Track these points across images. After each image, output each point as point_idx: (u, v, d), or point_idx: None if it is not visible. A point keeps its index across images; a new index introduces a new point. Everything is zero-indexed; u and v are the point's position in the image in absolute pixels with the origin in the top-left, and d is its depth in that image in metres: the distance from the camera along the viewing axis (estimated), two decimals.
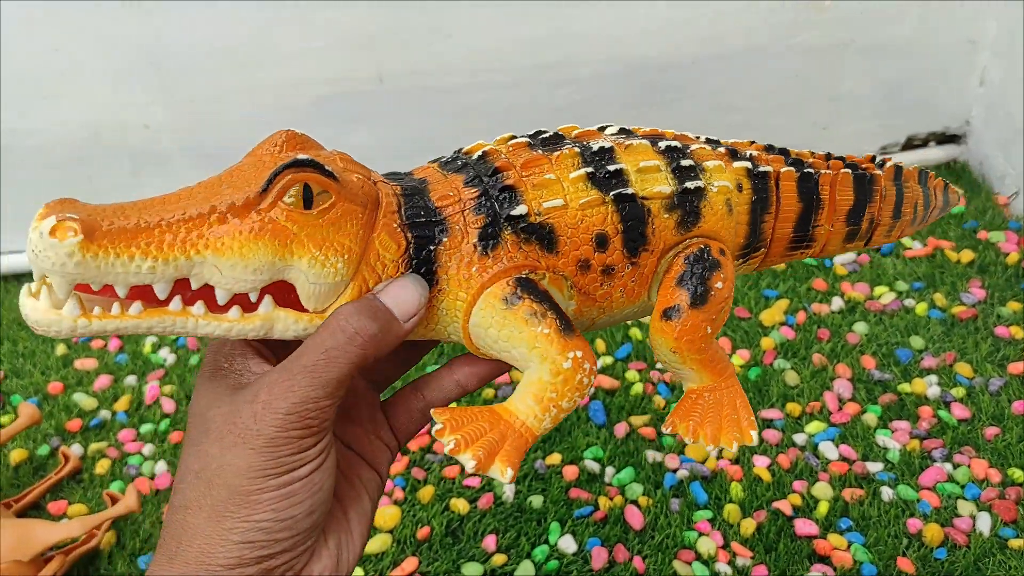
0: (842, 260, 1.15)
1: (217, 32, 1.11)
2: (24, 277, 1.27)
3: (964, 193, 1.26)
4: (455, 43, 1.16)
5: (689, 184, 0.45)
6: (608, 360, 1.03)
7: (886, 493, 0.86)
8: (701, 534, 0.84)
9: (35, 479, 0.97)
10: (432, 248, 0.42)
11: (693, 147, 0.48)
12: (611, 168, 0.44)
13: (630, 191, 0.44)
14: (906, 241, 1.17)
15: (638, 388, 0.99)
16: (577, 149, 0.45)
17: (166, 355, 1.11)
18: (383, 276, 0.41)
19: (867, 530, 0.83)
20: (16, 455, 0.98)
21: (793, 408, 0.95)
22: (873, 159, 0.54)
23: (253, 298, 0.39)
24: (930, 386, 0.96)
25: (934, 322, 1.04)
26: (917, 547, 0.81)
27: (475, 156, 0.45)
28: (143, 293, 0.38)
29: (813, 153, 0.52)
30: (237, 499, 0.38)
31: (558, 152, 0.45)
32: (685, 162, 0.46)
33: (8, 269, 1.27)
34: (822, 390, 0.97)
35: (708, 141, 0.50)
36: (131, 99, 1.16)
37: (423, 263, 0.42)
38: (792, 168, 0.50)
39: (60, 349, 1.13)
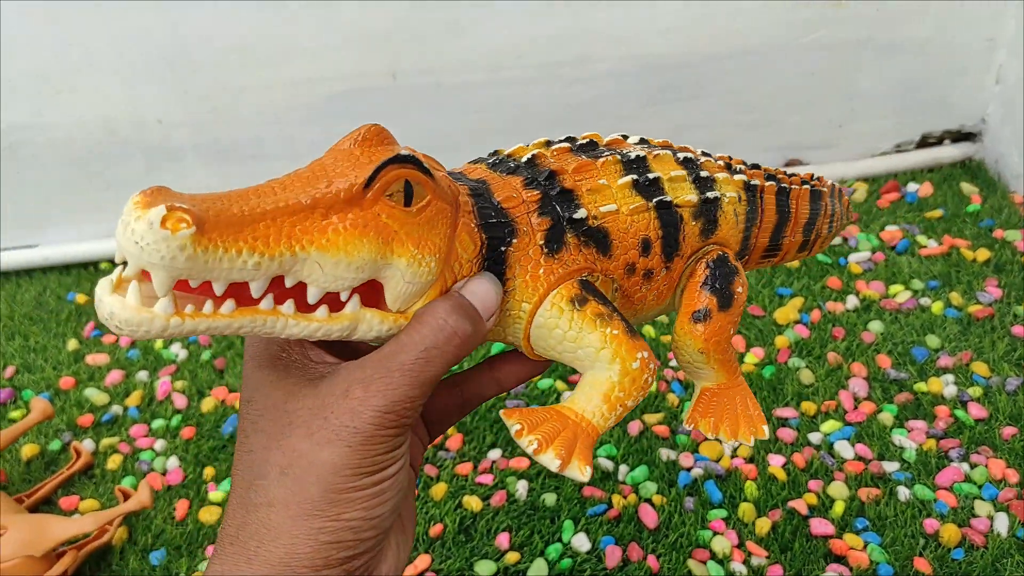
0: (857, 259, 1.14)
1: (232, 29, 1.11)
2: (37, 272, 1.27)
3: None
4: (470, 40, 1.16)
5: (709, 194, 0.48)
6: None
7: (902, 493, 0.85)
8: (716, 533, 0.84)
9: (47, 474, 0.97)
10: (503, 249, 0.42)
11: (701, 160, 0.50)
12: (650, 176, 0.46)
13: (668, 199, 0.46)
14: (921, 239, 1.16)
15: (652, 386, 0.99)
16: (618, 156, 0.46)
17: (178, 351, 1.11)
18: (459, 276, 0.41)
19: (883, 530, 0.82)
20: (28, 450, 0.98)
21: (808, 407, 0.95)
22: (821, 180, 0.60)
23: (344, 297, 0.38)
24: (946, 385, 0.95)
25: (950, 321, 1.03)
26: (934, 547, 0.80)
27: (524, 159, 0.46)
28: (234, 291, 0.37)
29: (766, 168, 0.56)
30: (330, 497, 0.37)
31: (602, 159, 0.46)
32: (703, 173, 0.48)
33: (20, 264, 1.27)
34: (837, 389, 0.97)
35: (704, 154, 0.52)
36: (145, 95, 1.16)
37: (495, 263, 0.42)
38: (772, 182, 0.54)
39: (72, 344, 1.13)
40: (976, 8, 1.21)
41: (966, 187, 1.26)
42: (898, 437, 0.91)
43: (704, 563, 0.81)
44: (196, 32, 1.11)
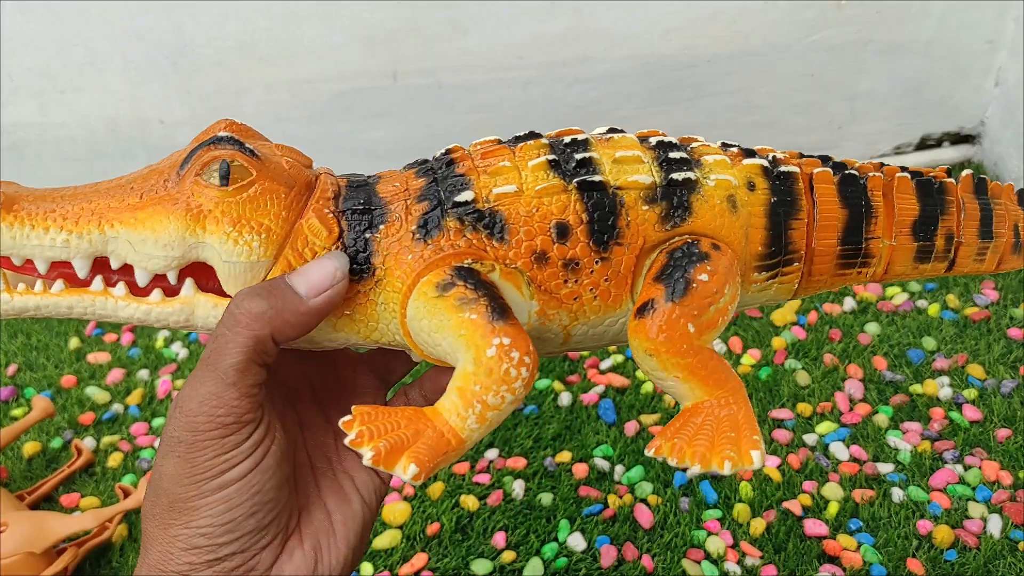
0: None
1: (235, 28, 1.12)
2: None
3: None
4: (472, 41, 1.16)
5: (677, 176, 0.42)
6: (619, 358, 1.03)
7: (896, 494, 0.85)
8: (710, 533, 0.84)
9: (48, 472, 0.98)
10: (368, 236, 0.40)
11: (694, 144, 0.45)
12: (579, 157, 0.41)
13: (598, 179, 0.41)
14: None
15: (648, 387, 0.99)
16: (546, 141, 0.42)
17: (178, 349, 1.11)
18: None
19: (877, 531, 0.83)
20: (29, 448, 0.99)
21: (804, 408, 0.95)
22: (948, 172, 0.49)
23: (172, 279, 0.39)
24: (942, 387, 0.95)
25: (947, 323, 1.04)
26: (927, 548, 0.81)
27: (440, 153, 0.43)
28: (70, 277, 0.40)
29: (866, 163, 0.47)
30: (177, 506, 0.38)
31: (524, 144, 0.42)
32: (675, 154, 0.42)
33: None
34: (833, 390, 0.97)
35: (724, 145, 0.46)
36: (148, 94, 1.17)
37: (358, 251, 0.40)
38: (829, 169, 0.45)
39: (73, 343, 1.14)
40: (977, 10, 1.21)
41: None
42: (893, 439, 0.91)
43: (699, 563, 0.82)
44: (199, 32, 1.12)
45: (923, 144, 1.36)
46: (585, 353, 1.04)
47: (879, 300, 1.08)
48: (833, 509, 0.85)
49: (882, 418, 0.93)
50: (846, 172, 0.45)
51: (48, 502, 0.94)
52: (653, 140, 0.44)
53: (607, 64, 1.20)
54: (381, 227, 0.40)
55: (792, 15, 1.18)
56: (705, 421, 0.41)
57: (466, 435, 0.38)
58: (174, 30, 1.10)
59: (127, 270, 0.40)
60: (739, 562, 0.82)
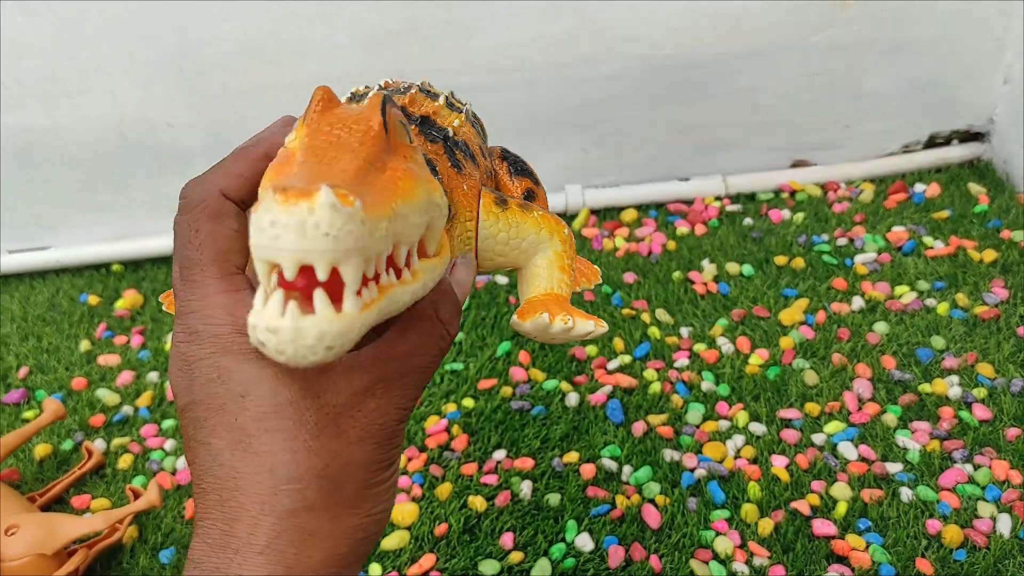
0: (863, 260, 1.14)
1: (241, 30, 1.12)
2: (50, 274, 1.29)
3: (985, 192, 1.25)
4: (476, 42, 1.16)
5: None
6: (627, 359, 1.03)
7: (905, 494, 0.85)
8: (718, 533, 0.84)
9: (59, 473, 0.98)
10: (438, 179, 0.43)
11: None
12: (440, 98, 0.49)
13: (466, 109, 0.51)
14: (928, 240, 1.16)
15: (656, 387, 0.99)
16: (417, 87, 0.50)
17: None
18: None
19: (886, 531, 0.83)
20: (40, 450, 0.99)
21: (812, 408, 0.95)
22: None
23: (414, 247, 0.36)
24: (951, 386, 0.95)
25: (956, 322, 1.04)
26: (936, 548, 0.81)
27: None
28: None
29: None
30: (363, 494, 0.36)
31: (411, 91, 0.48)
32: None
33: (33, 266, 1.29)
34: (841, 390, 0.97)
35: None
36: (155, 97, 1.18)
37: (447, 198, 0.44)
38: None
39: (84, 345, 1.14)
40: (983, 8, 1.21)
41: (974, 187, 1.26)
42: (902, 438, 0.91)
43: (706, 563, 0.82)
44: (204, 35, 1.12)
45: (932, 142, 1.36)
46: (592, 353, 1.04)
47: (888, 299, 1.08)
48: (842, 509, 0.85)
49: (891, 417, 0.93)
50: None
51: (59, 504, 0.95)
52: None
53: (611, 64, 1.20)
54: (436, 167, 0.43)
55: (796, 15, 1.18)
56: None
57: (569, 296, 0.48)
58: (179, 33, 1.11)
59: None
60: (747, 562, 0.82)
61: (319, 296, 0.29)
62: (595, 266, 0.54)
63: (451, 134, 0.46)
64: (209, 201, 0.38)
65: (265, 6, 1.10)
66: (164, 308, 0.55)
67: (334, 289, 0.29)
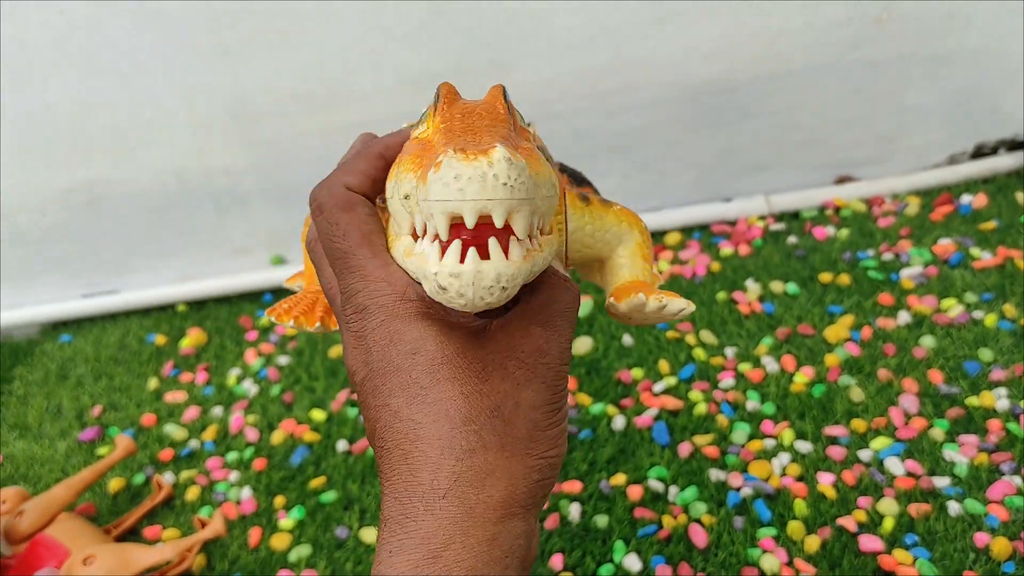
0: (909, 274, 1.14)
1: (293, 79, 1.18)
2: (119, 316, 1.35)
3: None
4: (516, 77, 1.20)
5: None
6: (672, 381, 1.05)
7: (953, 508, 0.85)
8: (765, 551, 0.85)
9: (132, 506, 1.03)
10: None
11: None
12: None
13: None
14: (975, 251, 1.15)
15: (701, 408, 1.01)
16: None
17: (249, 386, 1.17)
18: None
19: (933, 545, 0.83)
20: (114, 484, 1.05)
21: (858, 424, 0.95)
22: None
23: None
24: (999, 399, 0.95)
25: (1004, 333, 1.03)
26: (984, 562, 0.80)
27: None
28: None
29: None
30: (535, 435, 0.38)
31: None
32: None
33: (104, 309, 1.36)
34: (887, 405, 0.97)
35: None
36: (212, 145, 1.24)
37: None
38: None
39: (152, 383, 1.20)
40: (1020, 16, 1.20)
41: (1021, 196, 1.25)
42: (949, 452, 0.91)
43: None
44: (257, 84, 1.18)
45: (978, 153, 1.35)
46: (638, 376, 1.06)
47: (934, 312, 1.08)
48: (888, 524, 0.85)
49: (938, 432, 0.93)
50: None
51: (132, 535, 1.00)
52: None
53: (649, 91, 1.23)
54: None
55: (831, 34, 1.19)
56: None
57: (652, 280, 0.51)
58: (234, 85, 1.17)
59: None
60: None
61: (493, 243, 0.34)
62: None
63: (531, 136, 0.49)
64: (338, 197, 0.43)
65: (314, 56, 1.16)
66: (285, 285, 0.62)
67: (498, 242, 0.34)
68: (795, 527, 0.86)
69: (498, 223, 0.33)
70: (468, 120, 0.39)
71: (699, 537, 0.87)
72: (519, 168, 0.32)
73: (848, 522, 0.86)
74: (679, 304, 0.47)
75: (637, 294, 0.47)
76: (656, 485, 0.93)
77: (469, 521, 0.36)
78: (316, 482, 1.00)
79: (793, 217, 1.32)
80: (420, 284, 0.37)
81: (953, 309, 1.08)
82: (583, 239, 0.49)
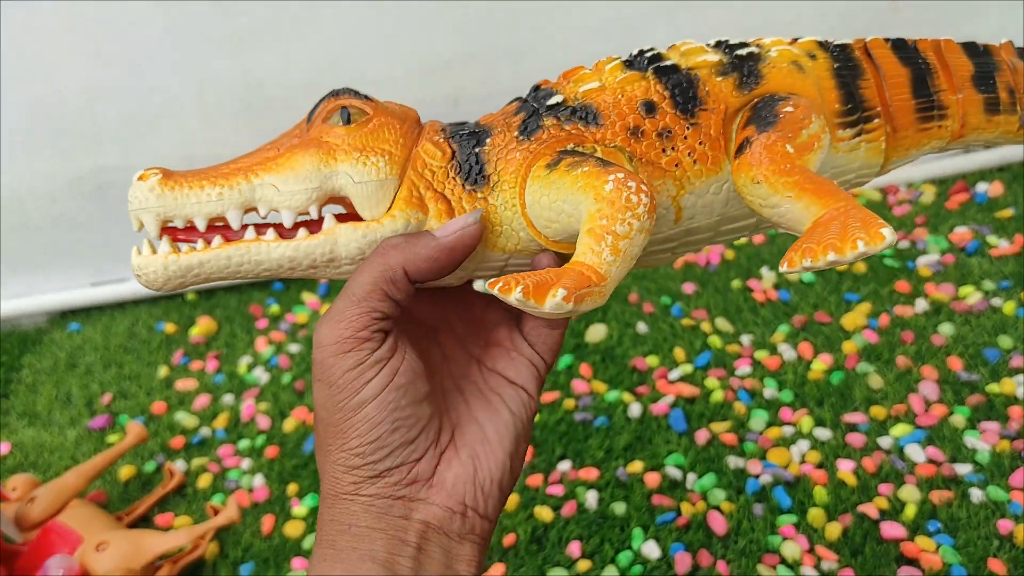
0: (926, 262, 1.13)
1: (303, 66, 1.17)
2: (129, 305, 1.35)
3: None
4: (529, 64, 1.19)
5: (741, 52, 0.47)
6: (688, 368, 1.04)
7: (975, 495, 0.84)
8: (785, 538, 0.84)
9: (143, 493, 1.03)
10: (477, 151, 0.45)
11: (750, 39, 0.50)
12: (649, 55, 0.47)
13: (670, 62, 0.46)
14: (992, 239, 1.14)
15: (718, 395, 1.00)
16: (617, 56, 0.48)
17: (260, 374, 1.16)
18: (434, 182, 0.45)
19: (956, 532, 0.82)
20: (125, 472, 1.04)
21: (878, 411, 0.95)
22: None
23: (314, 212, 0.45)
24: (1019, 386, 0.94)
25: (1023, 321, 1.02)
26: (1008, 548, 0.80)
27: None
28: (226, 234, 0.45)
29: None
30: (331, 431, 0.42)
31: (597, 61, 0.48)
32: (735, 42, 0.48)
33: (113, 298, 1.35)
34: (907, 393, 0.96)
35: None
36: (222, 134, 1.23)
37: (471, 166, 0.45)
38: (879, 38, 0.50)
39: (162, 371, 1.19)
40: None
41: None
42: (970, 439, 0.90)
43: (774, 567, 0.82)
44: (267, 72, 1.17)
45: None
46: (654, 364, 1.05)
47: (952, 300, 1.07)
48: (910, 511, 0.84)
49: (959, 419, 0.92)
50: (896, 39, 0.50)
51: (144, 522, 0.99)
52: (713, 40, 0.50)
53: None
54: (487, 141, 0.46)
55: (847, 21, 1.18)
56: (829, 223, 0.39)
57: (604, 269, 0.39)
58: (244, 72, 1.16)
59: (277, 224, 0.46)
60: (816, 566, 0.81)
61: (146, 244, 0.45)
62: (883, 225, 0.38)
63: (559, 100, 0.45)
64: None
65: (325, 43, 1.15)
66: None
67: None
68: (815, 514, 0.85)
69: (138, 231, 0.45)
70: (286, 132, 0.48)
71: (718, 524, 0.86)
72: (136, 187, 0.44)
73: (869, 509, 0.85)
74: (516, 292, 0.38)
75: (494, 283, 0.39)
76: (674, 472, 0.92)
77: (326, 507, 0.43)
78: None
79: None
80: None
81: (971, 296, 1.07)
82: (545, 213, 0.43)
